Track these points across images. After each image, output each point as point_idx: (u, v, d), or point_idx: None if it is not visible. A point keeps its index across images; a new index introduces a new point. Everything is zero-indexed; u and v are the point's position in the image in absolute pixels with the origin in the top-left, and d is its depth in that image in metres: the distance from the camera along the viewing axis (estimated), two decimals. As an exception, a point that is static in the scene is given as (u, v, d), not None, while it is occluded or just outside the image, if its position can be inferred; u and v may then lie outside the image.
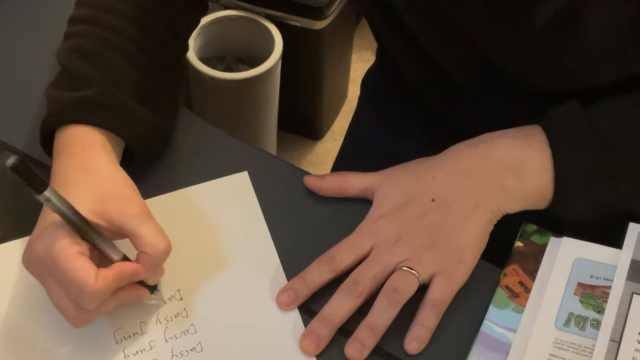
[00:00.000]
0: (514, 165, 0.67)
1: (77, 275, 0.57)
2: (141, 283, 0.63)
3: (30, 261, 0.61)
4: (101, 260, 0.61)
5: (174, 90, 0.76)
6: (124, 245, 0.62)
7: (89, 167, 0.64)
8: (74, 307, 0.59)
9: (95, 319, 0.61)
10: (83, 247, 0.59)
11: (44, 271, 0.60)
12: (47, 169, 0.67)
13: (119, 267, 0.60)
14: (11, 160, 0.54)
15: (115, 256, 0.61)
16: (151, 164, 0.73)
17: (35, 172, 0.56)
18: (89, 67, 0.69)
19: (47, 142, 0.69)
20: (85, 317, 0.60)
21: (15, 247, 0.68)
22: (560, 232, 0.69)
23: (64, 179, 0.64)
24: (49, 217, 0.60)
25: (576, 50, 0.67)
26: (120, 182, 0.64)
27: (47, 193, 0.57)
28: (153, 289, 0.64)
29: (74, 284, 0.58)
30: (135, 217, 0.61)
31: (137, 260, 0.61)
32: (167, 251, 0.62)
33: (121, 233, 0.62)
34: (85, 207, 0.61)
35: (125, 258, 0.62)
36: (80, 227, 0.59)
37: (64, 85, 0.69)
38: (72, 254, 0.58)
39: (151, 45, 0.73)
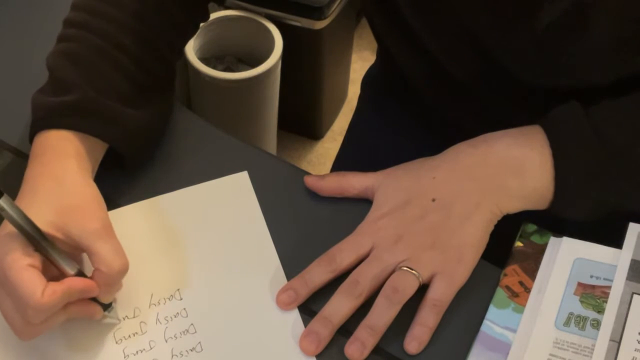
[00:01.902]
0: (514, 165, 0.67)
1: (23, 288, 0.57)
2: (96, 299, 0.62)
3: None
4: (59, 273, 0.61)
5: (164, 95, 0.76)
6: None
7: (57, 178, 0.64)
8: (20, 319, 0.58)
9: (44, 333, 0.60)
10: (35, 259, 0.59)
11: None
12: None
13: (69, 283, 0.59)
14: None
15: (69, 270, 0.60)
16: (149, 164, 0.73)
17: None
18: (74, 72, 0.69)
19: None
20: (31, 331, 0.59)
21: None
22: (560, 232, 0.69)
23: (31, 187, 0.63)
24: (5, 227, 0.60)
25: (579, 50, 0.67)
26: (86, 196, 0.63)
27: (0, 202, 0.57)
28: (107, 306, 0.63)
29: (20, 297, 0.57)
30: (94, 233, 0.61)
31: (92, 277, 0.61)
32: (123, 271, 0.61)
33: (80, 248, 0.61)
34: (46, 219, 0.60)
35: (80, 272, 0.61)
36: (33, 238, 0.59)
37: (49, 90, 0.69)
38: (22, 266, 0.58)
39: (141, 52, 0.72)
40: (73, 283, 0.59)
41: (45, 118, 0.67)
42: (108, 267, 0.60)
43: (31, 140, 0.68)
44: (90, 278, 0.61)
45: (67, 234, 0.61)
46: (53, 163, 0.65)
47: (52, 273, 0.60)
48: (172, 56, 0.77)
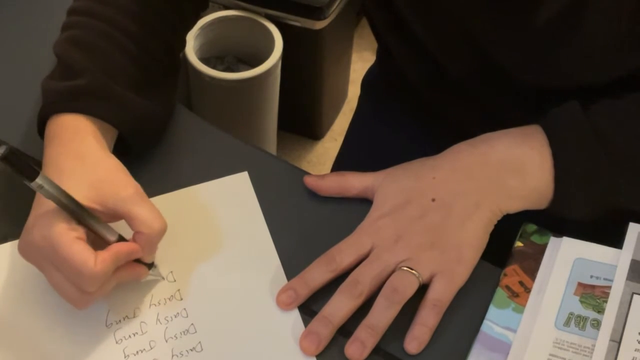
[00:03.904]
0: (514, 165, 0.67)
1: (76, 260, 0.58)
2: (138, 261, 0.64)
3: (27, 249, 0.62)
4: (98, 242, 0.62)
5: (169, 82, 0.76)
6: (120, 227, 0.63)
7: (79, 155, 0.65)
8: (75, 290, 0.60)
9: (97, 300, 0.63)
10: (80, 231, 0.60)
11: (42, 258, 0.61)
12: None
13: (116, 248, 0.61)
14: (0, 150, 0.55)
15: (111, 237, 0.62)
16: (149, 164, 0.73)
17: (26, 161, 0.57)
18: (83, 57, 0.70)
19: (44, 133, 0.69)
20: (87, 299, 0.61)
21: (16, 247, 0.68)
22: (560, 232, 0.69)
23: (55, 166, 0.64)
24: (43, 205, 0.61)
25: (577, 48, 0.67)
26: (112, 167, 0.65)
27: (39, 180, 0.58)
28: (150, 265, 0.65)
29: (74, 269, 0.59)
30: (129, 199, 0.62)
31: (133, 240, 0.62)
32: (163, 230, 0.63)
33: (117, 215, 0.63)
34: (81, 194, 0.61)
35: (121, 238, 0.63)
36: (74, 211, 0.60)
37: (58, 75, 0.70)
38: (70, 240, 0.59)
39: (147, 38, 0.73)
40: (119, 248, 0.61)
41: (57, 102, 0.68)
42: (149, 229, 0.62)
43: (39, 124, 0.69)
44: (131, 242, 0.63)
45: (102, 204, 0.62)
46: (72, 142, 0.66)
47: (94, 245, 0.62)
48: (177, 43, 0.78)
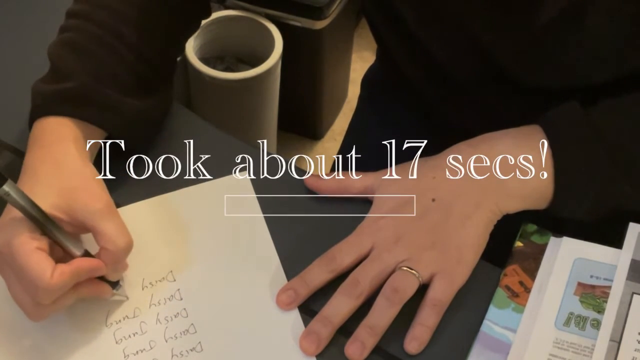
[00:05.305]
0: (514, 165, 0.67)
1: (33, 270, 0.58)
2: (103, 278, 0.63)
3: None
4: (64, 255, 0.62)
5: (161, 86, 0.76)
6: (90, 241, 0.63)
7: (57, 161, 0.65)
8: (30, 301, 0.60)
9: (55, 314, 0.62)
10: (42, 242, 0.60)
11: (3, 263, 0.61)
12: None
13: (77, 263, 0.60)
14: None
15: (76, 251, 0.61)
16: (149, 164, 0.73)
17: None
18: (74, 61, 0.70)
19: None
20: (42, 312, 0.60)
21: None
22: (560, 232, 0.69)
23: (32, 171, 0.64)
24: (12, 211, 0.61)
25: (578, 49, 0.67)
26: (87, 177, 0.64)
27: (5, 187, 0.58)
28: (115, 284, 0.64)
29: (29, 279, 0.58)
30: (98, 213, 0.62)
31: (98, 256, 0.62)
32: (128, 248, 0.62)
33: (83, 228, 0.62)
34: (49, 202, 0.61)
35: (86, 253, 0.62)
36: (40, 221, 0.60)
37: (48, 79, 0.70)
38: (30, 249, 0.59)
39: (141, 43, 0.72)
40: (81, 263, 0.61)
41: (44, 105, 0.68)
42: (114, 245, 0.61)
43: (31, 127, 0.69)
44: (97, 257, 0.62)
45: (71, 215, 0.62)
46: (52, 147, 0.66)
47: (58, 255, 0.61)
48: (173, 49, 0.78)
